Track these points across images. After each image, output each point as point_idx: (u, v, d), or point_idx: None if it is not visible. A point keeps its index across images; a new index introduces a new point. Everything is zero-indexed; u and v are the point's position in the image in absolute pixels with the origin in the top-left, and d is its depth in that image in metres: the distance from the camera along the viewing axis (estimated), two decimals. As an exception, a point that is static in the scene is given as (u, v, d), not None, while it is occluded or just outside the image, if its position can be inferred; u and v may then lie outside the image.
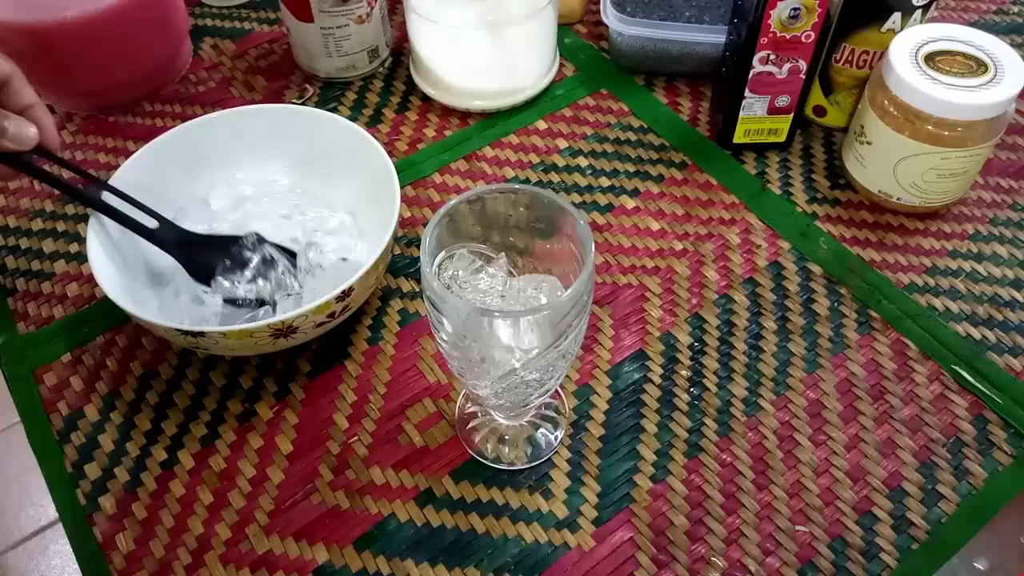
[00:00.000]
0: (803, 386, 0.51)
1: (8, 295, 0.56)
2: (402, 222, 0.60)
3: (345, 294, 0.45)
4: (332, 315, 0.47)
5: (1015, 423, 0.49)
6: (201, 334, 0.44)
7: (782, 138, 0.63)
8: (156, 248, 0.52)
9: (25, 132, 0.45)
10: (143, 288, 0.51)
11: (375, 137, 0.53)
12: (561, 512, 0.46)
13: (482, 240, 0.41)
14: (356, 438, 0.49)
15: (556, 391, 0.50)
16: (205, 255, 0.51)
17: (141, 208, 0.51)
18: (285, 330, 0.45)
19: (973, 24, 0.75)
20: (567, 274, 0.40)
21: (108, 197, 0.50)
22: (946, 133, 0.53)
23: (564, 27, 0.75)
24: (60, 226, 0.60)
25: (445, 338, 0.38)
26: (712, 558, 0.44)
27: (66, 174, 0.52)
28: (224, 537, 0.45)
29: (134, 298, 0.48)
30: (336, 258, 0.53)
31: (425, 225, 0.44)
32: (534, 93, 0.67)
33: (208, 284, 0.51)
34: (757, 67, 0.57)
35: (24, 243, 0.59)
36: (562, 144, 0.65)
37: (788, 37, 0.55)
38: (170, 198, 0.54)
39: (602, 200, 0.61)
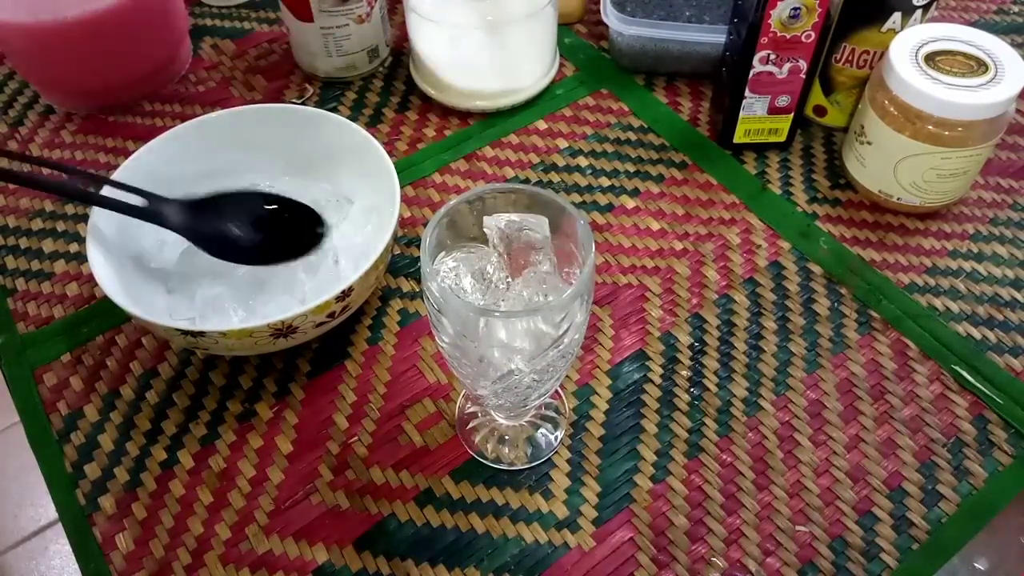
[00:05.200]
0: (803, 386, 0.51)
1: (8, 295, 0.56)
2: (402, 222, 0.60)
3: (345, 294, 0.45)
4: (332, 315, 0.47)
5: (1015, 423, 0.49)
6: (201, 334, 0.44)
7: (782, 138, 0.63)
8: (155, 248, 0.52)
9: None
10: (143, 288, 0.51)
11: (375, 137, 0.53)
12: (561, 512, 0.46)
13: (482, 240, 0.41)
14: (356, 438, 0.48)
15: (556, 391, 0.50)
16: (210, 222, 0.47)
17: (126, 190, 0.49)
18: (285, 330, 0.45)
19: (973, 24, 0.75)
20: (567, 274, 0.40)
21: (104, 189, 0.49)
22: (946, 133, 0.53)
23: (564, 27, 0.75)
24: (60, 226, 0.60)
25: (445, 338, 0.38)
26: (712, 558, 0.44)
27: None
28: (224, 537, 0.45)
29: (134, 298, 0.48)
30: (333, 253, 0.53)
31: (425, 225, 0.44)
32: (534, 93, 0.67)
33: (226, 256, 0.47)
34: (757, 67, 0.57)
35: (24, 243, 0.59)
36: (562, 144, 0.65)
37: (788, 37, 0.55)
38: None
39: (602, 200, 0.61)
